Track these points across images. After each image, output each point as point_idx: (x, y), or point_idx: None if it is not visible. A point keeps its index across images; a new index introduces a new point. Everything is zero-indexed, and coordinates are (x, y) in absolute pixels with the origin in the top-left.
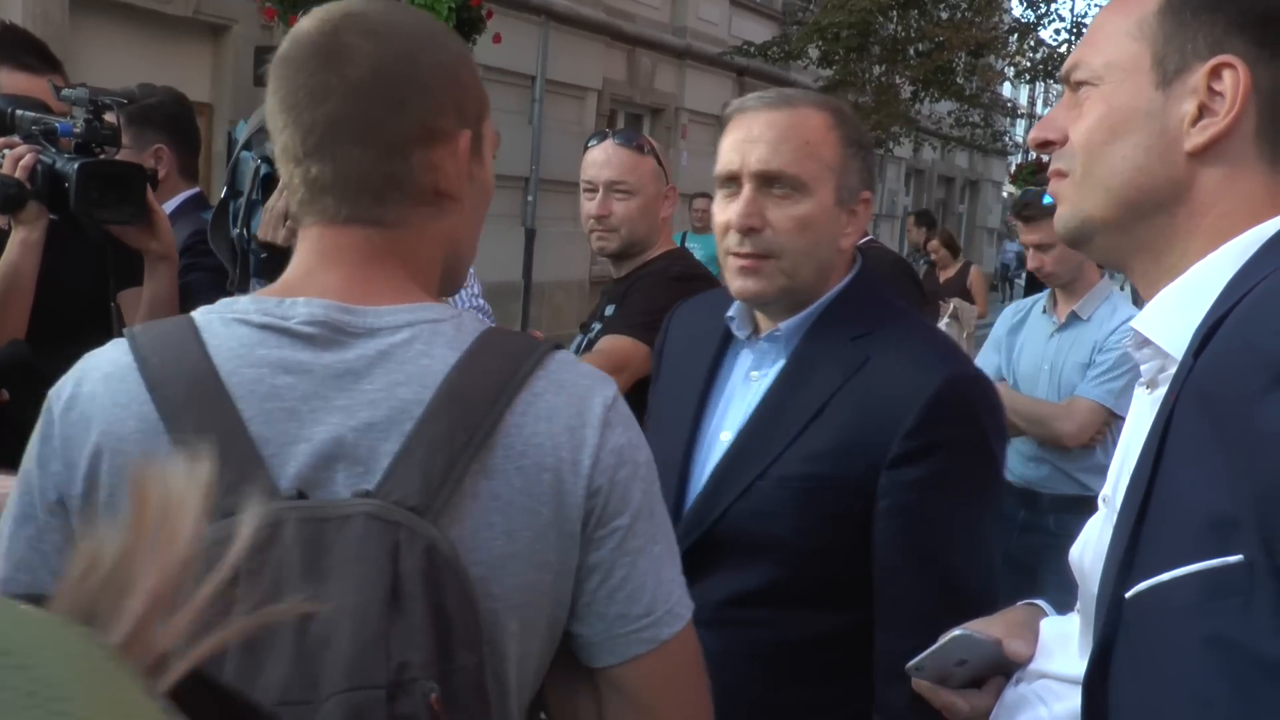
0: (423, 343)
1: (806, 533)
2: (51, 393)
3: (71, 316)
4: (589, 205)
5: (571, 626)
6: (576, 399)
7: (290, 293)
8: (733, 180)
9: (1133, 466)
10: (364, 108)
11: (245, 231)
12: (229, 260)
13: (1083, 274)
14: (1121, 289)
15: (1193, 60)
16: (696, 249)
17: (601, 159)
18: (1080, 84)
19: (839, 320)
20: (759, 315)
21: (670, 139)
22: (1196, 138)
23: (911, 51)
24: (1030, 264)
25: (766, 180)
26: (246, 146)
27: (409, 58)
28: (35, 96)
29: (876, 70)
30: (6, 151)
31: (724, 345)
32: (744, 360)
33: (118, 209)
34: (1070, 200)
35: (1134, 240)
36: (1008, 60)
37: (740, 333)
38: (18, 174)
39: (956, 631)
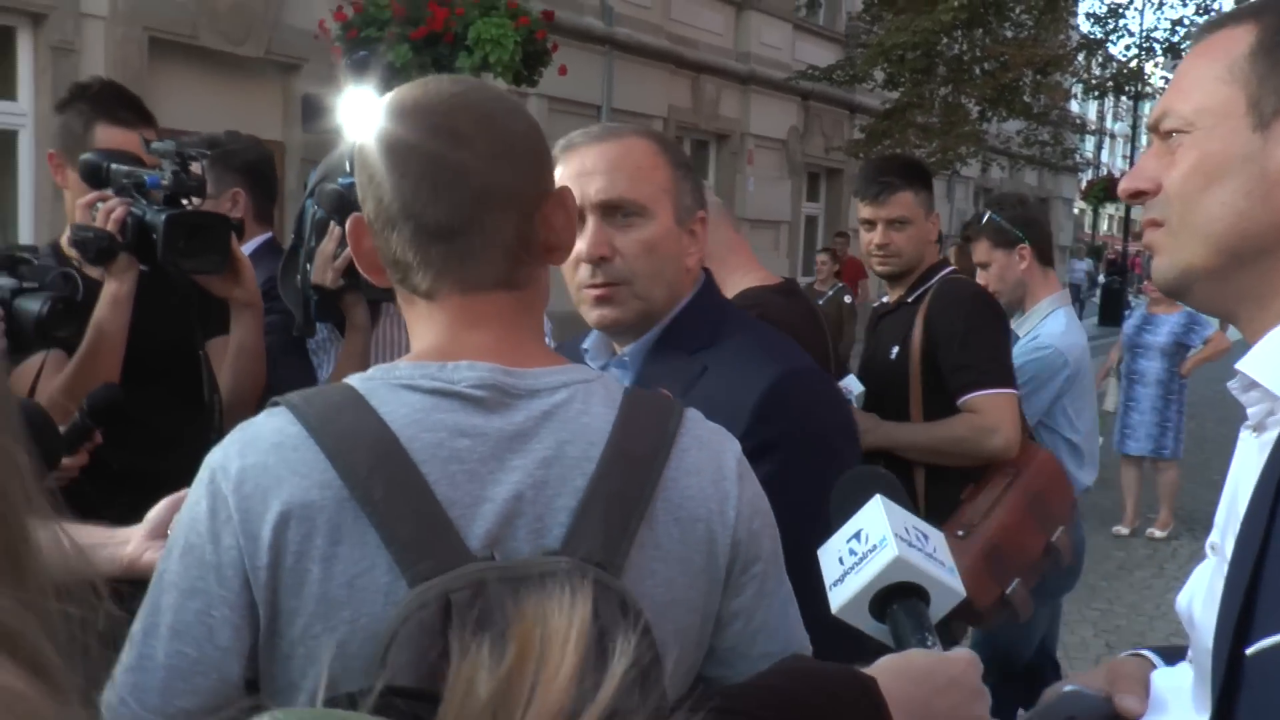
0: (580, 402)
1: None
2: (213, 467)
3: (160, 364)
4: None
5: (709, 670)
6: (715, 454)
7: (445, 357)
8: None
9: (1242, 513)
10: (503, 177)
11: (305, 276)
12: (296, 305)
13: (1030, 291)
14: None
15: None
16: None
17: None
18: (1170, 132)
19: (681, 336)
20: (616, 344)
21: (736, 165)
22: None
23: (977, 71)
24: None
25: (609, 209)
26: (311, 194)
27: (517, 128)
28: (129, 150)
29: (942, 91)
30: (100, 205)
31: None
32: None
33: (203, 258)
34: (1167, 250)
35: (1237, 287)
36: (1076, 78)
37: (594, 363)
38: (110, 227)
39: (1066, 687)
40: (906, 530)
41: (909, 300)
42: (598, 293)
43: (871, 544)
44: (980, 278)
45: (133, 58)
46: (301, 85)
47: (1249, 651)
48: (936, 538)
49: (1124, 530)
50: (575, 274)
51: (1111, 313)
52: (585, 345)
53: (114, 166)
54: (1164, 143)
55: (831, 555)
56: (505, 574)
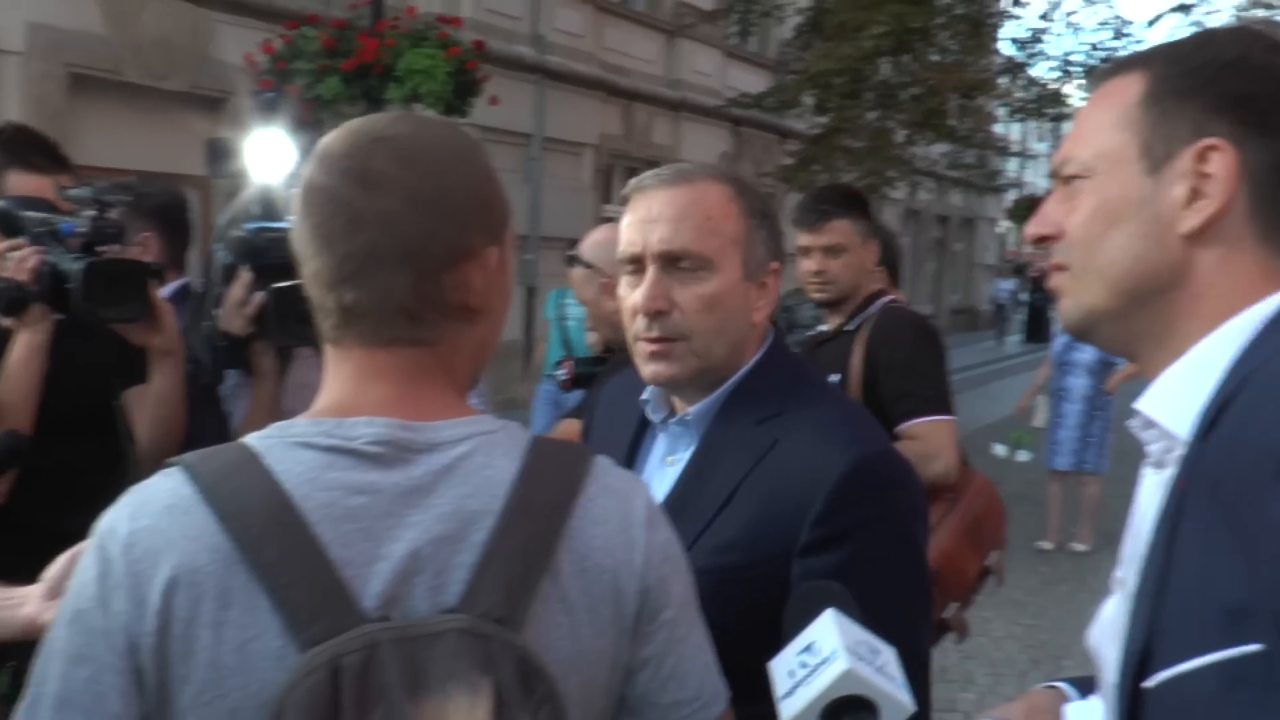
0: (483, 454)
1: (723, 626)
2: (102, 531)
3: (76, 416)
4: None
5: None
6: (623, 501)
7: (344, 412)
8: (636, 262)
9: (1144, 550)
10: (399, 237)
11: (214, 323)
12: (205, 351)
13: None
14: None
15: (1178, 145)
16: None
17: None
18: (1071, 178)
19: (748, 401)
20: (675, 397)
21: None
22: (1191, 220)
23: (904, 95)
24: None
25: (671, 260)
26: (219, 239)
27: (440, 183)
28: (43, 196)
29: (870, 116)
30: (12, 254)
31: (642, 428)
32: (660, 445)
33: (124, 307)
34: (1072, 293)
35: (1137, 327)
36: (1000, 100)
37: (655, 417)
38: (22, 276)
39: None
40: (857, 644)
41: (848, 328)
42: (653, 348)
43: (822, 657)
44: None
45: (52, 95)
46: (228, 119)
47: (1148, 685)
48: (888, 653)
49: (1048, 545)
50: (632, 323)
51: (1036, 329)
52: (645, 396)
53: (27, 214)
54: (1066, 188)
55: (783, 668)
56: (400, 634)
